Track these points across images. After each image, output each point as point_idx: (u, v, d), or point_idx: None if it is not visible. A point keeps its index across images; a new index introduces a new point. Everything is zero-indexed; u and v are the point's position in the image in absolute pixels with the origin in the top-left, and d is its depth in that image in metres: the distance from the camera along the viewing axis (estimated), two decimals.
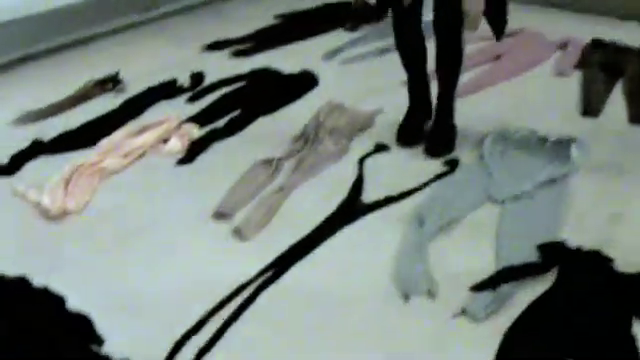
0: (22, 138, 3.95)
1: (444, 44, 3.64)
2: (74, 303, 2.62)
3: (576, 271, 2.77)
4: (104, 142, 3.87)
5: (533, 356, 2.43)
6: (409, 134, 3.83)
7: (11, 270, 2.76)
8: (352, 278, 2.85)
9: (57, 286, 2.69)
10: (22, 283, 2.55)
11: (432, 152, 3.70)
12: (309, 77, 4.69)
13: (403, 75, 4.33)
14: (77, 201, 3.36)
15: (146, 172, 3.67)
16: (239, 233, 3.11)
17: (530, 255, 2.89)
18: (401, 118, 3.91)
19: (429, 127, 3.85)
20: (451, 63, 3.71)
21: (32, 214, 3.32)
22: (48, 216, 3.27)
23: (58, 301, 2.50)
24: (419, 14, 3.64)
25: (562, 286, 2.69)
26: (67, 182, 3.48)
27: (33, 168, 3.73)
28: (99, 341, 2.42)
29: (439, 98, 3.81)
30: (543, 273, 2.79)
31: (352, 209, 3.27)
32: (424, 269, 2.82)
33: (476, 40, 5.27)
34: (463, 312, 2.61)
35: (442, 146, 3.73)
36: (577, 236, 3.02)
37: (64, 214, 3.30)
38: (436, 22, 3.57)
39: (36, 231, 3.23)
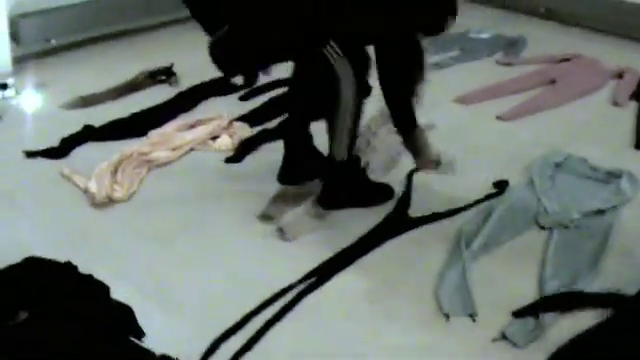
0: (73, 122, 3.99)
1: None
2: (116, 293, 2.62)
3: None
4: (154, 133, 3.89)
5: None
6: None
7: (56, 256, 2.77)
8: (394, 292, 2.84)
9: (100, 274, 2.70)
10: (69, 269, 2.56)
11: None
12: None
13: (456, 91, 4.33)
14: (124, 190, 3.38)
15: (194, 167, 3.68)
16: (281, 233, 3.11)
17: (573, 284, 2.86)
18: (452, 135, 3.88)
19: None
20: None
21: (80, 200, 3.34)
22: (94, 202, 3.30)
23: (103, 290, 2.51)
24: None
25: (612, 322, 2.65)
26: (115, 170, 3.50)
27: (82, 153, 3.75)
28: (139, 334, 2.43)
29: None
30: (587, 307, 2.75)
31: (399, 222, 3.26)
32: (467, 290, 2.80)
33: (533, 62, 5.27)
34: (503, 336, 2.59)
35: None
36: (622, 270, 2.99)
37: (110, 202, 3.31)
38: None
39: (82, 217, 3.25)
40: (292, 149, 3.47)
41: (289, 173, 3.48)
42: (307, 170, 3.47)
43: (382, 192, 3.43)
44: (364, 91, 3.20)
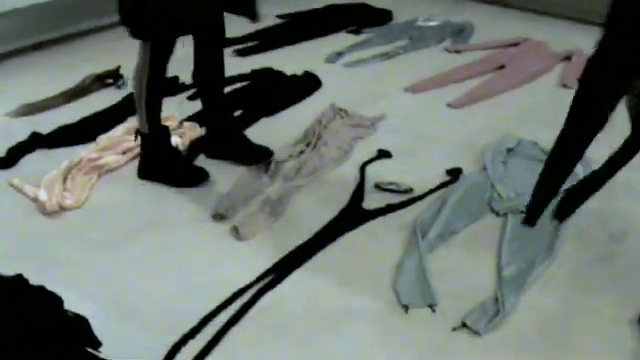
0: (20, 131, 3.92)
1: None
2: (70, 303, 2.58)
3: None
4: (103, 138, 3.83)
5: None
6: None
7: (6, 267, 2.72)
8: (352, 286, 2.83)
9: (53, 284, 2.65)
10: (19, 282, 2.51)
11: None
12: (312, 79, 4.66)
13: (406, 81, 4.33)
14: (75, 197, 3.32)
15: None
16: (236, 232, 3.09)
17: (530, 269, 2.87)
18: (403, 124, 3.88)
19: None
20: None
21: (30, 209, 3.28)
22: (45, 211, 3.24)
23: (55, 301, 2.46)
24: None
25: None
26: (65, 177, 3.45)
27: (31, 162, 3.69)
28: (95, 344, 2.38)
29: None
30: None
31: (353, 215, 3.24)
32: (425, 281, 2.79)
33: (482, 48, 5.30)
34: (463, 325, 2.59)
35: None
36: (577, 252, 3.01)
37: (61, 210, 3.26)
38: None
39: (33, 227, 3.19)
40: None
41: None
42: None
43: (195, 175, 3.52)
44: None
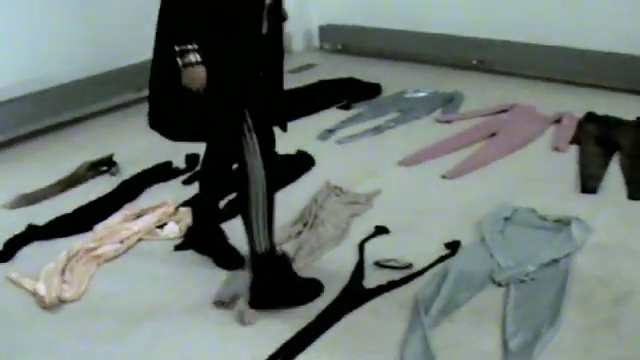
0: (16, 223, 3.91)
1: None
2: None
3: None
4: (100, 227, 3.83)
5: None
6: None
7: None
8: None
9: None
10: None
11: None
12: (306, 158, 4.67)
13: (399, 154, 4.34)
14: (74, 290, 3.31)
15: (144, 258, 3.62)
16: (242, 317, 3.05)
17: (536, 338, 2.84)
18: (399, 199, 3.88)
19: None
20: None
21: (29, 303, 3.26)
22: (44, 305, 3.21)
23: None
24: None
25: None
26: (63, 269, 3.43)
27: (28, 254, 3.68)
28: None
29: None
30: None
31: (355, 294, 3.22)
32: (430, 357, 2.76)
33: (472, 116, 5.33)
34: None
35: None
36: (582, 317, 2.99)
37: (60, 303, 3.24)
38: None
39: (32, 321, 3.16)
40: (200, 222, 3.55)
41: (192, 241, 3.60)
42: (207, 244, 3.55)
43: (312, 288, 3.27)
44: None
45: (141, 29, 5.61)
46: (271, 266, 3.13)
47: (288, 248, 3.57)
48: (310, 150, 4.76)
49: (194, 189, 4.23)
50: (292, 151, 4.75)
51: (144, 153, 4.73)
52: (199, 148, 4.68)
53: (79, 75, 5.50)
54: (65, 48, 5.40)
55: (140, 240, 3.74)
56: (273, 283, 3.14)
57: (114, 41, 5.70)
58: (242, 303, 3.14)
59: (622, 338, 2.88)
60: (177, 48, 2.78)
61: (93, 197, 4.23)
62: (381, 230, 3.74)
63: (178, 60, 2.79)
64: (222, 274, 3.37)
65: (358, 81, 6.27)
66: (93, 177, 4.56)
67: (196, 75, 2.80)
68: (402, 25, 6.98)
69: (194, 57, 2.78)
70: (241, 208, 3.10)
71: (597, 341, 2.88)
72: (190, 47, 2.78)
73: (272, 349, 2.87)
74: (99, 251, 3.58)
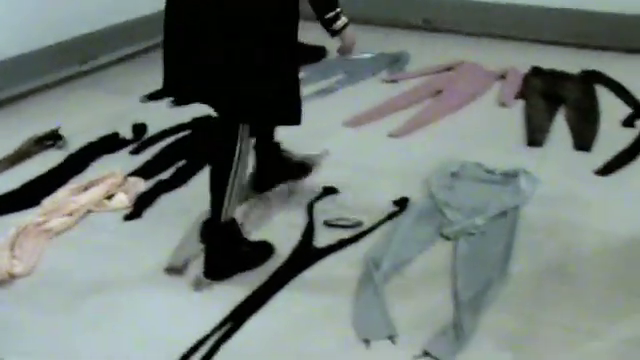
0: None
1: None
2: None
3: None
4: (48, 201, 3.78)
5: None
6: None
7: None
8: (312, 327, 2.81)
9: (7, 354, 2.61)
10: None
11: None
12: None
13: (346, 115, 4.33)
14: (24, 264, 3.27)
15: (93, 230, 3.58)
16: (200, 284, 3.05)
17: (486, 291, 2.88)
18: (347, 159, 3.89)
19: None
20: None
21: None
22: None
23: None
24: None
25: None
26: (12, 245, 3.39)
27: None
28: None
29: None
30: None
31: (306, 254, 3.24)
32: (383, 313, 2.79)
33: (418, 75, 5.36)
34: (425, 354, 2.59)
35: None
36: (532, 267, 3.03)
37: (11, 278, 3.21)
38: None
39: None
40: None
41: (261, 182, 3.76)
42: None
43: (264, 251, 3.26)
44: None
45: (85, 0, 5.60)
46: (226, 234, 3.13)
47: (237, 213, 3.57)
48: None
49: (142, 158, 4.23)
50: None
51: (90, 126, 4.68)
52: (145, 117, 4.69)
53: (21, 49, 5.41)
54: (5, 21, 5.30)
55: (89, 212, 3.70)
56: (228, 252, 3.13)
57: (58, 13, 5.60)
58: (197, 271, 3.14)
59: (571, 286, 2.93)
60: (331, 14, 3.19)
61: (40, 172, 4.17)
62: (330, 190, 3.75)
63: (333, 25, 3.23)
64: (173, 242, 3.36)
65: (302, 44, 6.22)
66: (39, 152, 4.49)
67: (353, 34, 3.28)
68: None
69: (345, 18, 3.21)
70: (215, 178, 3.08)
71: (546, 289, 2.93)
72: (339, 9, 3.19)
73: (226, 313, 2.87)
74: (48, 225, 3.54)
